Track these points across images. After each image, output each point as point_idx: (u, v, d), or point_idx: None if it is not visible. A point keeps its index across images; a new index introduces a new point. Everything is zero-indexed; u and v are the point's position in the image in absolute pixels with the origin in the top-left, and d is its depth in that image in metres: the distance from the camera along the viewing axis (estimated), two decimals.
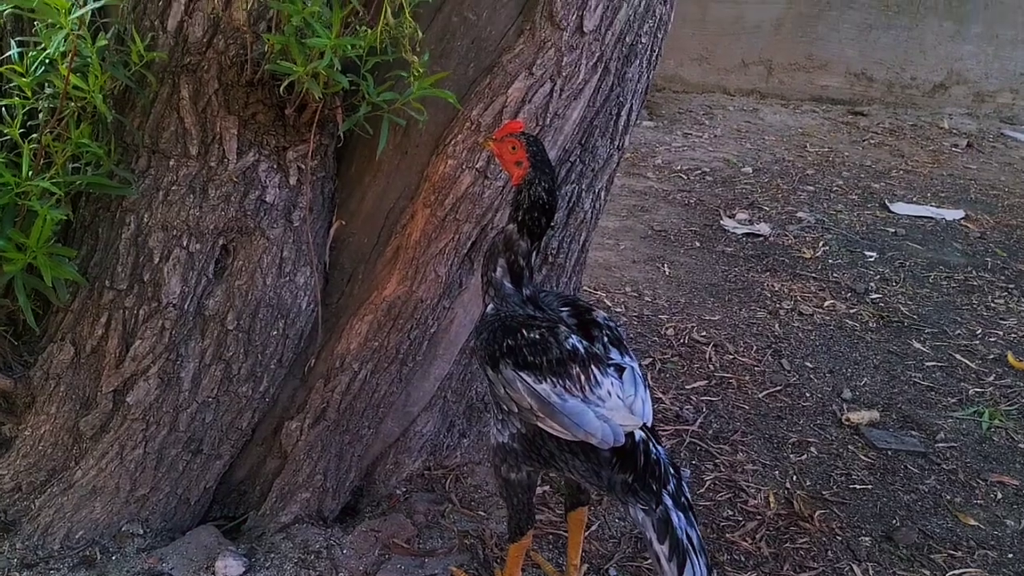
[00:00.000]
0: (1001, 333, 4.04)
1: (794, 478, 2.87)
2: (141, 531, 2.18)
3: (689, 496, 1.89)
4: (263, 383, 2.25)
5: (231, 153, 2.12)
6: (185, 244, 2.12)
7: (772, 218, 5.14)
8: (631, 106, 2.54)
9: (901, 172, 6.42)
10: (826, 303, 4.15)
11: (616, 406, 1.81)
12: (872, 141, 7.15)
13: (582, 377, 1.81)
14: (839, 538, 2.60)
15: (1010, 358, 3.79)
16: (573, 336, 1.87)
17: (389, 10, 1.95)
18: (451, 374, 2.49)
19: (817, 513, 2.69)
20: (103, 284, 2.12)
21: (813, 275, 4.45)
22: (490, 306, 1.96)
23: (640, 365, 1.96)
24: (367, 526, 2.25)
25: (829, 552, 2.53)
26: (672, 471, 1.88)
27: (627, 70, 2.45)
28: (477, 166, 2.22)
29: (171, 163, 2.10)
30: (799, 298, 4.16)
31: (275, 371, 2.26)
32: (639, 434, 1.84)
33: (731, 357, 3.59)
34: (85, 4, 1.86)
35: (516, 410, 1.85)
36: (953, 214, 5.58)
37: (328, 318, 2.34)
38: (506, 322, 1.89)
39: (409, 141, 2.30)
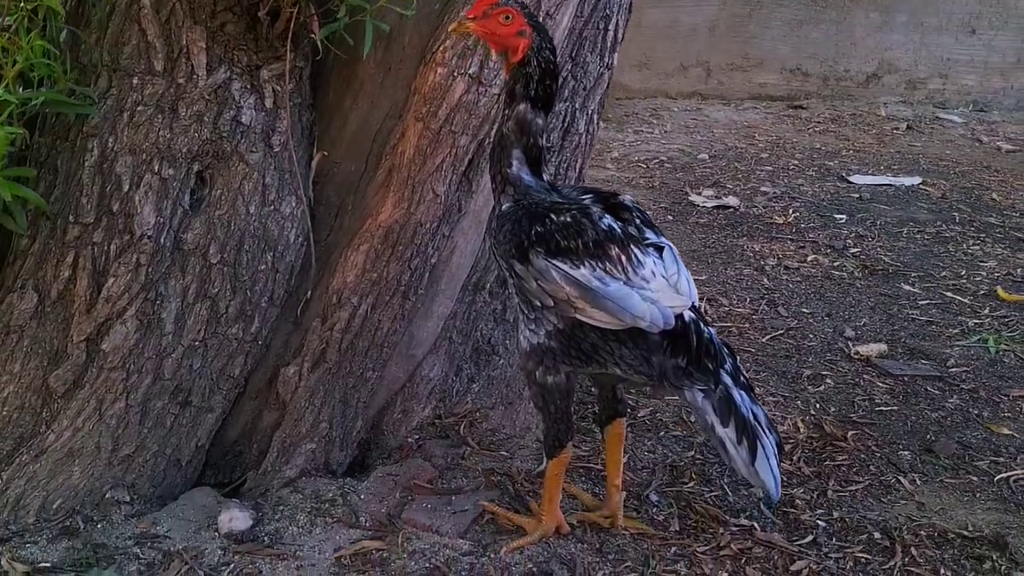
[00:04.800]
0: (984, 273, 4.01)
1: (817, 406, 2.72)
2: (128, 497, 1.91)
3: (747, 376, 1.73)
4: (254, 323, 2.03)
5: (200, 68, 1.93)
6: (157, 169, 1.91)
7: (738, 193, 5.09)
8: (617, 21, 2.43)
9: (851, 152, 6.48)
10: (809, 258, 4.07)
11: (661, 286, 1.66)
12: (816, 129, 7.23)
13: (623, 258, 1.66)
14: (878, 454, 2.45)
15: (1000, 292, 3.75)
16: (607, 216, 1.72)
17: None
18: (455, 313, 2.30)
19: (850, 434, 2.54)
20: (67, 220, 1.89)
21: (790, 237, 4.38)
22: (505, 205, 1.79)
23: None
24: (383, 471, 2.03)
25: (871, 467, 2.39)
26: (727, 350, 1.72)
27: None
28: (470, 72, 2.07)
29: (135, 81, 1.91)
30: (781, 256, 4.08)
31: (266, 310, 2.05)
32: (688, 314, 1.69)
33: (727, 309, 3.46)
34: None
35: (551, 303, 1.67)
36: (911, 180, 5.62)
37: (319, 256, 2.14)
38: (531, 209, 1.72)
39: (392, 56, 2.14)
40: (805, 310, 3.50)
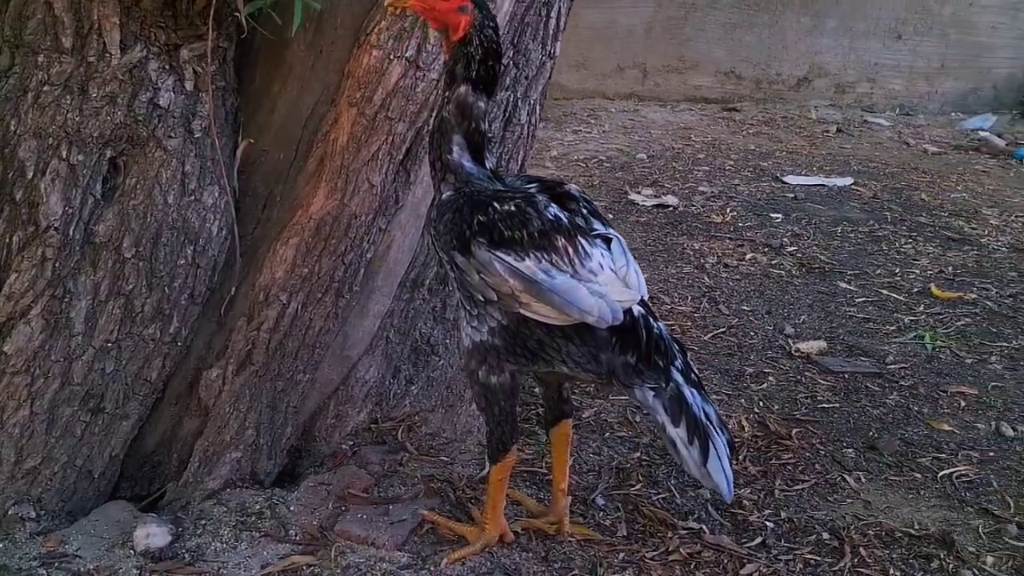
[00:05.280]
0: (918, 271, 4.06)
1: (761, 404, 2.69)
2: (33, 513, 1.75)
3: (698, 373, 1.66)
4: (173, 323, 1.88)
5: (113, 46, 1.79)
6: (64, 155, 1.75)
7: (677, 192, 5.08)
8: (559, 8, 2.35)
9: (784, 153, 6.55)
10: (747, 256, 4.06)
11: (610, 280, 1.58)
12: (750, 131, 7.30)
13: (569, 250, 1.57)
14: (822, 452, 2.42)
15: (934, 289, 3.79)
16: (553, 205, 1.62)
17: None
18: (392, 311, 2.19)
19: (794, 432, 2.51)
20: None
21: (728, 236, 4.37)
22: (446, 193, 1.68)
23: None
24: (314, 480, 1.91)
25: (816, 465, 2.35)
26: (677, 347, 1.65)
27: None
28: (407, 55, 1.96)
29: (40, 59, 1.75)
30: (721, 254, 4.06)
31: (186, 308, 1.90)
32: (637, 309, 1.61)
33: (668, 307, 3.42)
34: None
35: (495, 298, 1.58)
36: (843, 181, 5.69)
37: (245, 250, 2.01)
38: (473, 198, 1.62)
39: (323, 37, 2.02)
40: (746, 308, 3.48)
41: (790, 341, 3.18)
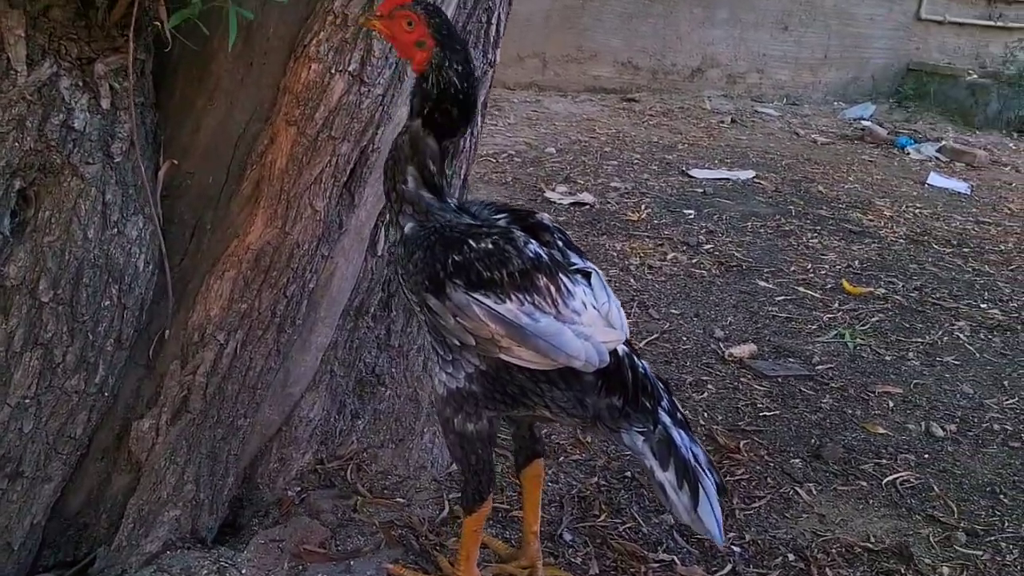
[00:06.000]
0: (827, 267, 4.17)
1: (706, 415, 2.67)
2: None
3: (684, 412, 1.59)
4: (99, 372, 1.68)
5: (19, 62, 1.56)
6: None
7: (590, 188, 5.05)
8: (499, 13, 2.22)
9: (685, 146, 6.64)
10: (668, 256, 4.07)
11: (593, 319, 1.49)
12: (651, 123, 7.37)
13: (551, 289, 1.46)
14: (771, 464, 2.43)
15: (845, 285, 3.90)
16: (532, 241, 1.51)
17: None
18: (335, 342, 2.03)
19: (742, 444, 2.50)
20: None
21: (646, 234, 4.37)
22: (408, 225, 1.55)
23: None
24: (264, 537, 1.74)
25: (768, 479, 2.35)
26: (663, 385, 1.58)
27: None
28: (350, 69, 1.80)
29: None
30: (643, 255, 4.05)
31: (113, 355, 1.70)
32: (622, 348, 1.53)
33: None
34: None
35: (472, 343, 1.46)
36: (745, 174, 5.81)
37: (174, 284, 1.81)
38: (444, 234, 1.48)
39: (254, 48, 1.84)
40: (674, 311, 3.48)
41: (722, 345, 3.20)
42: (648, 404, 1.51)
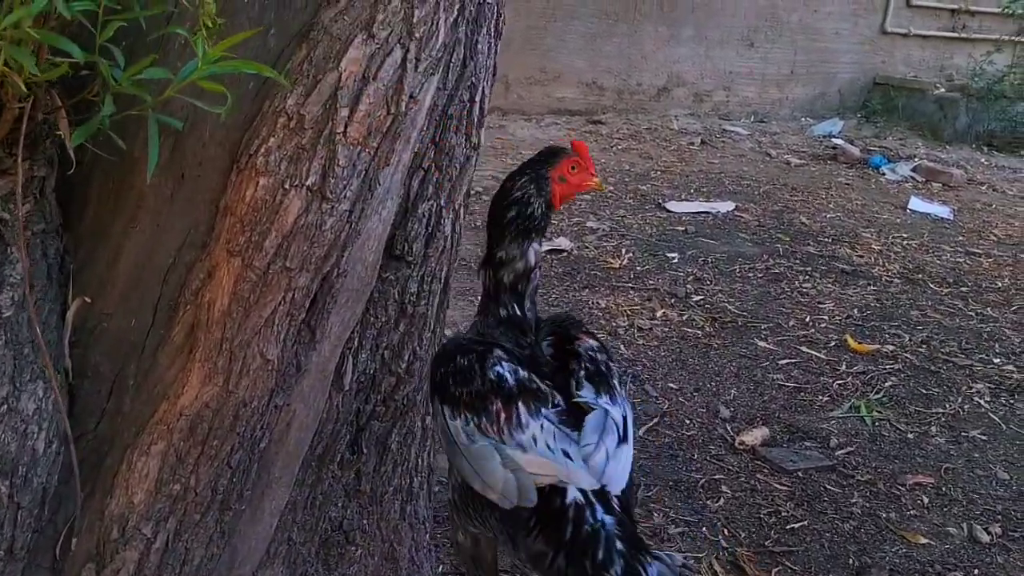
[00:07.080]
0: (827, 318, 3.89)
1: (726, 532, 2.33)
2: None
3: None
4: None
5: None
6: None
7: (566, 231, 4.71)
8: (483, 91, 1.87)
9: (658, 172, 6.36)
10: (658, 313, 3.74)
11: (542, 455, 1.32)
12: (619, 147, 7.08)
13: (502, 415, 1.39)
14: None
15: (850, 342, 3.61)
16: (505, 364, 1.46)
17: None
18: (294, 503, 1.65)
19: (774, 572, 2.17)
20: None
21: (630, 285, 4.04)
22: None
23: (629, 412, 1.44)
24: None
25: None
26: (626, 552, 1.23)
27: (476, 37, 1.79)
28: (308, 183, 1.43)
29: None
30: (630, 312, 3.71)
31: (4, 568, 1.30)
32: (574, 495, 1.25)
33: None
34: None
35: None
36: (724, 206, 5.53)
37: (87, 458, 1.42)
38: (448, 346, 1.57)
39: (185, 157, 1.45)
40: (672, 385, 3.14)
41: (729, 428, 2.87)
42: (589, 570, 1.19)
